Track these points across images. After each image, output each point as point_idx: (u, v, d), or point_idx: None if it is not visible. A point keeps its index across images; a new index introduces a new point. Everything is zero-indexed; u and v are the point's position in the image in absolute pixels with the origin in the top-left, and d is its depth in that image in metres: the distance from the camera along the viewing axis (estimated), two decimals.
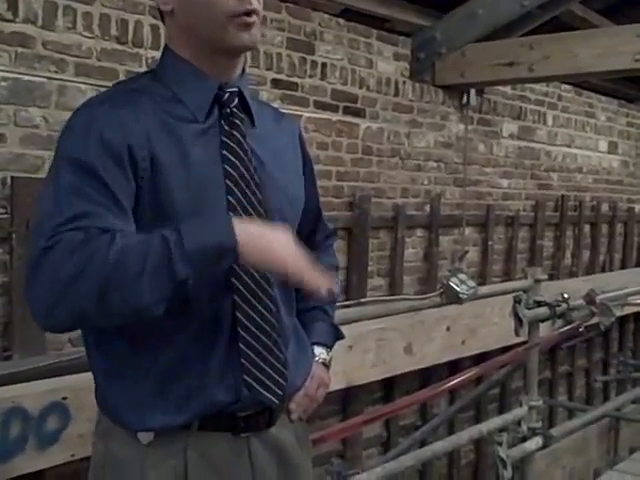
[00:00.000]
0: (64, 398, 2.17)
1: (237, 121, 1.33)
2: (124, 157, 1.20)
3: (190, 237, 1.13)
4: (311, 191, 1.52)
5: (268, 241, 1.18)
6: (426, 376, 4.02)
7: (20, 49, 2.52)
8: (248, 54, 3.20)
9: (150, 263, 1.11)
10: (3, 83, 2.48)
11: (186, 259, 1.12)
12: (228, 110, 1.33)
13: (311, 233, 1.56)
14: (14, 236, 2.48)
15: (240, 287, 1.28)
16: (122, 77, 2.71)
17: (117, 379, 1.30)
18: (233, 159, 1.30)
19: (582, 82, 5.38)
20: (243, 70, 1.38)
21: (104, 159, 1.19)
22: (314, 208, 1.56)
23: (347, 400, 3.76)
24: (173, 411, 1.27)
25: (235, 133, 1.32)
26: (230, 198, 1.28)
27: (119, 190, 1.19)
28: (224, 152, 1.29)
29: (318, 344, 1.54)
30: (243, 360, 1.29)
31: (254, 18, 1.27)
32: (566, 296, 3.38)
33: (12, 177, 2.49)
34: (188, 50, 1.31)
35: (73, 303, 1.11)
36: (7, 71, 2.49)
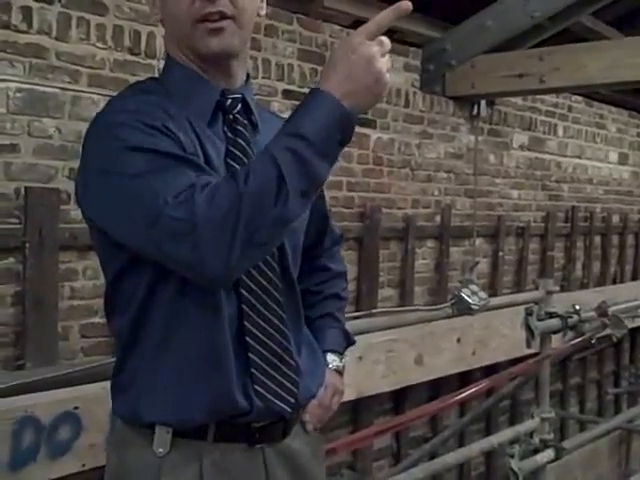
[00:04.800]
0: (76, 408, 2.18)
1: (240, 128, 1.32)
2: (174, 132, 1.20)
3: (313, 135, 1.11)
4: (318, 198, 1.48)
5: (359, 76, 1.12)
6: (436, 387, 4.01)
7: (34, 60, 2.53)
8: (259, 63, 3.27)
9: (287, 171, 1.10)
10: (17, 94, 2.50)
11: (321, 155, 1.12)
12: (231, 116, 1.32)
13: (318, 240, 1.55)
14: (27, 246, 2.48)
15: (247, 295, 1.28)
16: None
17: (145, 377, 1.29)
18: (237, 167, 1.27)
19: (592, 93, 5.38)
20: (248, 77, 1.37)
21: (162, 127, 1.18)
22: (321, 215, 1.54)
23: (357, 411, 3.75)
24: (193, 408, 1.27)
25: (239, 140, 1.30)
26: None
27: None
28: (228, 160, 1.28)
29: (330, 351, 1.52)
30: (253, 369, 1.29)
31: (222, 22, 1.23)
32: (578, 308, 3.38)
33: (26, 187, 2.51)
34: (182, 57, 1.31)
35: (246, 237, 1.10)
36: (21, 82, 2.50)
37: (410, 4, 1.15)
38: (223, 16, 1.23)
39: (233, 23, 1.25)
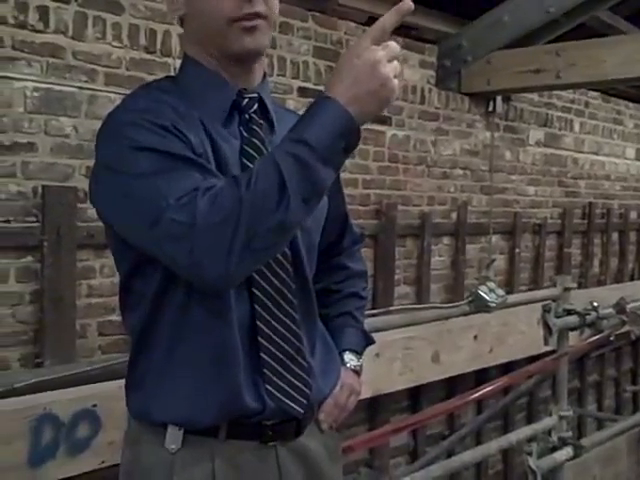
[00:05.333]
0: (94, 405, 2.19)
1: (256, 127, 1.31)
2: (182, 132, 1.19)
3: (317, 141, 1.10)
4: (336, 197, 1.49)
5: (365, 85, 1.11)
6: (453, 385, 4.00)
7: (51, 59, 2.55)
8: (275, 61, 3.27)
9: (289, 177, 1.09)
10: (35, 93, 2.51)
11: (324, 162, 1.10)
12: (247, 116, 1.31)
13: (338, 239, 1.55)
14: (45, 244, 2.50)
15: (260, 295, 1.28)
16: None
17: (157, 377, 1.29)
18: (251, 166, 1.24)
19: (609, 89, 5.34)
20: (264, 76, 1.37)
21: (172, 127, 1.18)
22: (340, 214, 1.54)
23: (374, 409, 3.75)
24: (203, 409, 1.27)
25: (254, 140, 1.30)
26: None
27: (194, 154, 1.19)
28: (243, 160, 1.28)
29: (348, 351, 1.51)
30: (265, 370, 1.29)
31: (257, 21, 1.24)
32: (596, 304, 3.35)
33: (43, 186, 2.52)
34: (202, 55, 1.30)
35: (244, 240, 1.09)
36: (38, 81, 2.52)
37: (411, 3, 1.14)
38: (258, 15, 1.24)
39: (266, 22, 1.26)
